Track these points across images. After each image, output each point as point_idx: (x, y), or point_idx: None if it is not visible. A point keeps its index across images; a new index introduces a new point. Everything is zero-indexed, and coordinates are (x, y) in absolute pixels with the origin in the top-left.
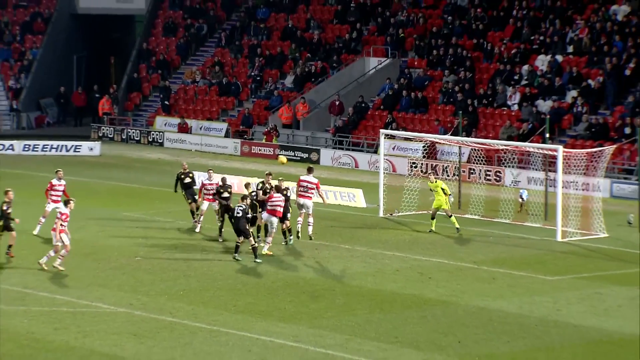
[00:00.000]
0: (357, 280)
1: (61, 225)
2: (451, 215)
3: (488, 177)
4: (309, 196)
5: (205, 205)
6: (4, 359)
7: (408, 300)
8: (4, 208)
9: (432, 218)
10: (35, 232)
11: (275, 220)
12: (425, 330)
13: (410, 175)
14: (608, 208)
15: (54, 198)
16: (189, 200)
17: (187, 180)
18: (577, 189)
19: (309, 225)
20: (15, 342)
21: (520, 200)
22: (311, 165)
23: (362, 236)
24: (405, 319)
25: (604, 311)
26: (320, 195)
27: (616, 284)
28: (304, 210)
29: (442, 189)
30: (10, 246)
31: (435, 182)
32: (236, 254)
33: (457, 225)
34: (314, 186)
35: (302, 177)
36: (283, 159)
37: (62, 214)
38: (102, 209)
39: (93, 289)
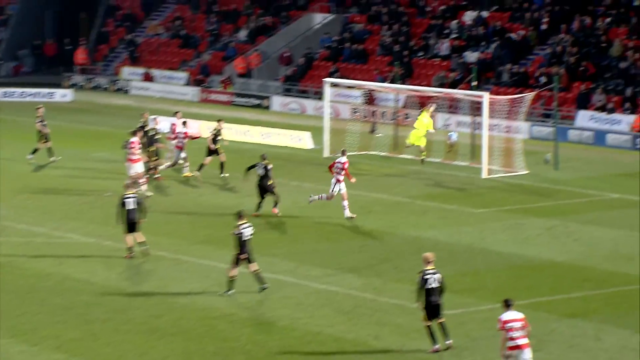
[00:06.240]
0: (305, 213)
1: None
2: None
3: None
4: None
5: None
6: None
7: (350, 231)
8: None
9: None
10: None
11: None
12: (366, 257)
13: (352, 119)
14: (528, 148)
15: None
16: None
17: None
18: (500, 132)
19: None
20: None
21: (449, 141)
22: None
23: (309, 174)
24: (349, 248)
25: (524, 239)
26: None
27: (535, 216)
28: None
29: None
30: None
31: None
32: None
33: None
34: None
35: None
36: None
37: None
38: (74, 150)
39: (66, 222)
